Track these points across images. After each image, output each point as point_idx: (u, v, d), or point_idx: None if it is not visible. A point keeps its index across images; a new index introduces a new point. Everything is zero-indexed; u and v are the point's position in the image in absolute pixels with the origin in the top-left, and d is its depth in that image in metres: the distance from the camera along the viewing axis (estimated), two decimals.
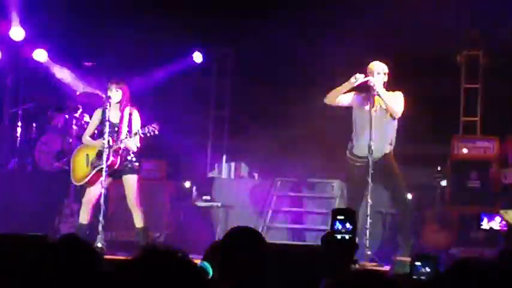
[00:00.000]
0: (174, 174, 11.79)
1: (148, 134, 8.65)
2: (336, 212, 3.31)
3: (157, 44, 11.95)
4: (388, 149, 8.58)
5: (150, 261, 2.42)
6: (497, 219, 8.78)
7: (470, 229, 10.20)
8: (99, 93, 10.55)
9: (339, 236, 3.22)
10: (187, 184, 11.78)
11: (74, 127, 11.14)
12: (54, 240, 3.19)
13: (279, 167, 11.62)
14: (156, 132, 8.64)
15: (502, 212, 3.89)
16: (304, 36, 11.70)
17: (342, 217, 3.27)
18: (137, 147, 8.83)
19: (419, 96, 11.64)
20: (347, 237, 3.22)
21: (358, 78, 8.40)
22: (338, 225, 3.23)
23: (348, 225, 3.23)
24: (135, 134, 8.72)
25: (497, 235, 9.74)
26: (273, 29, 11.54)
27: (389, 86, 8.67)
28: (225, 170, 12.56)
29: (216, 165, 12.72)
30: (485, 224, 8.87)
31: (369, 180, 8.24)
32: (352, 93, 8.64)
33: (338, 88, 8.57)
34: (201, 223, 11.06)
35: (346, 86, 8.51)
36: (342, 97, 8.63)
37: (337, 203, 10.65)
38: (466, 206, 10.25)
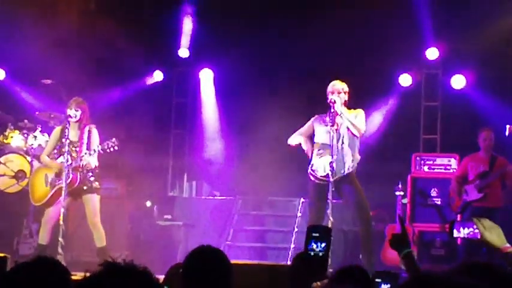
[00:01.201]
0: (135, 193, 11.73)
1: (108, 150, 8.62)
2: (311, 229, 3.29)
3: (117, 62, 11.90)
4: (350, 167, 8.60)
5: (110, 277, 2.41)
6: (469, 228, 8.78)
7: (431, 246, 10.28)
8: (57, 114, 10.44)
9: (312, 253, 3.21)
10: (148, 203, 11.73)
11: (33, 146, 11.01)
12: (20, 260, 3.14)
13: (240, 186, 11.62)
14: (116, 148, 8.61)
15: (475, 220, 3.88)
16: (264, 54, 11.81)
17: (317, 234, 3.25)
18: (95, 165, 8.77)
19: (380, 114, 11.82)
20: (320, 254, 3.21)
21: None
22: (313, 245, 3.21)
23: (322, 243, 3.22)
24: (94, 151, 8.67)
25: (457, 251, 9.84)
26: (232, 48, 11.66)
27: (350, 104, 8.73)
28: (186, 189, 12.54)
29: (177, 184, 12.69)
30: (457, 233, 8.87)
31: (330, 197, 8.25)
32: (310, 122, 8.78)
33: (296, 141, 8.87)
34: (162, 242, 10.98)
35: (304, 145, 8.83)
36: (303, 132, 8.84)
37: (299, 222, 10.67)
38: (427, 223, 10.33)
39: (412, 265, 3.49)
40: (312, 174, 8.65)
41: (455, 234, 3.93)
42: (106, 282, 2.41)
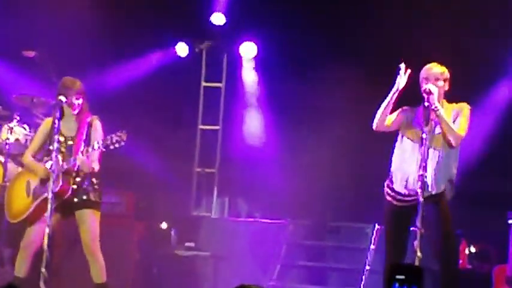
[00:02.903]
0: (146, 211, 11.63)
1: (111, 146, 8.16)
2: (394, 269, 3.10)
3: (125, 30, 11.85)
4: (443, 187, 8.17)
5: None
6: None
7: None
8: (42, 99, 10.40)
9: None
10: (163, 225, 11.69)
11: (9, 141, 10.95)
12: None
13: (291, 205, 11.51)
14: (122, 143, 8.28)
15: None
16: (327, 25, 11.69)
17: (403, 277, 3.07)
18: (95, 169, 8.61)
19: (485, 115, 11.73)
20: None
21: (402, 76, 8.10)
22: None
23: None
24: (93, 148, 8.50)
25: None
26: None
27: (449, 97, 8.36)
28: (216, 207, 12.48)
29: (203, 200, 12.63)
30: None
31: (418, 224, 7.96)
32: (397, 111, 8.35)
33: (383, 104, 8.15)
34: (182, 279, 10.93)
35: (391, 93, 8.29)
36: (390, 118, 8.16)
37: (373, 257, 10.48)
38: None
39: None
40: (389, 192, 8.33)
41: None
42: None
